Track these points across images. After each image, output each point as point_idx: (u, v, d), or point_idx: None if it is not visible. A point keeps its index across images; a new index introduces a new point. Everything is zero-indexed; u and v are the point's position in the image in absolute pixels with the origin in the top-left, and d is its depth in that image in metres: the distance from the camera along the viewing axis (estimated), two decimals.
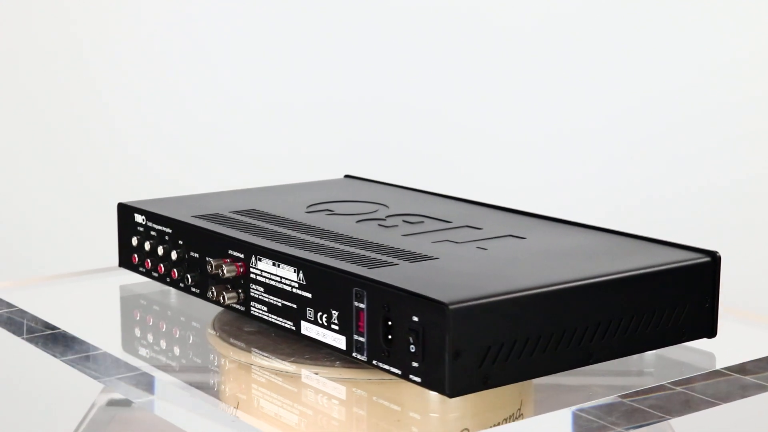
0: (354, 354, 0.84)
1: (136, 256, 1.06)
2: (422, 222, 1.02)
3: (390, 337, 0.81)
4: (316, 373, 0.89)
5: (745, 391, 0.91)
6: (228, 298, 0.95)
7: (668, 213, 1.67)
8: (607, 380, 0.93)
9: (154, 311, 1.08)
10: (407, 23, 1.73)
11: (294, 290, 0.89)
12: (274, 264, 0.91)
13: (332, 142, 1.75)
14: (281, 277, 0.90)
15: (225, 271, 0.94)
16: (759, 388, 0.91)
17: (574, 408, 0.85)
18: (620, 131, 1.68)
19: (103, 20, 1.68)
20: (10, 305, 1.03)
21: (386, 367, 0.82)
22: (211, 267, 0.95)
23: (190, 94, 1.73)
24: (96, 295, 1.12)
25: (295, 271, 0.89)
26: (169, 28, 1.71)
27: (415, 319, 0.79)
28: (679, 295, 0.88)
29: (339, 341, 0.86)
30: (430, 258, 0.89)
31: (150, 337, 1.01)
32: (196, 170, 1.74)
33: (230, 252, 0.95)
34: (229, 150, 1.76)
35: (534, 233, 0.97)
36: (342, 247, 0.92)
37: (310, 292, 0.88)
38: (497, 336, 0.79)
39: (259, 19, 1.73)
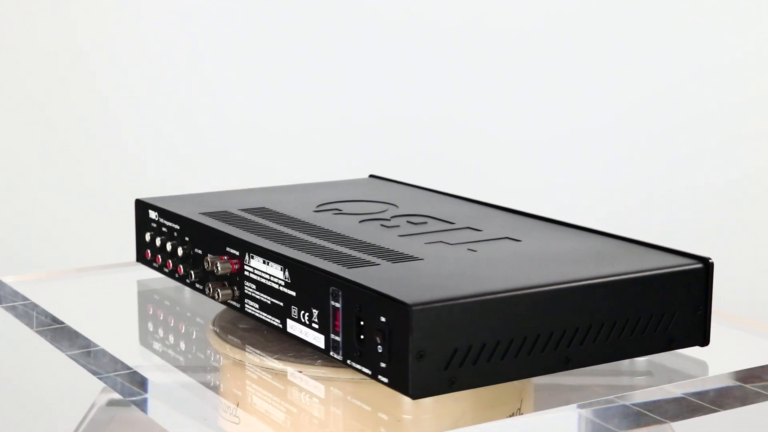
0: (331, 353, 0.85)
1: (149, 251, 1.08)
2: (425, 223, 1.01)
3: (362, 337, 0.81)
4: (300, 371, 0.90)
5: (741, 401, 0.89)
6: (222, 295, 0.96)
7: (669, 213, 1.65)
8: (607, 380, 0.93)
9: (165, 307, 1.09)
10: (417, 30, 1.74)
11: (281, 288, 0.90)
12: (264, 262, 0.92)
13: (372, 144, 1.76)
14: (270, 275, 0.91)
15: (219, 268, 0.95)
16: (757, 396, 0.89)
17: (574, 407, 0.84)
18: (624, 131, 1.66)
19: (104, 19, 1.72)
20: (24, 298, 1.06)
21: (359, 366, 0.82)
22: (208, 264, 0.96)
23: (213, 96, 1.76)
24: (111, 290, 1.15)
25: (281, 269, 0.90)
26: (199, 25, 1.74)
27: (383, 319, 0.79)
28: (668, 302, 0.87)
29: (318, 340, 0.86)
30: (415, 259, 0.89)
31: (153, 334, 1.03)
32: (217, 169, 1.77)
33: (228, 249, 0.96)
34: (259, 149, 1.79)
35: (532, 236, 0.96)
36: (332, 246, 0.92)
37: (294, 291, 0.88)
38: (464, 338, 0.78)
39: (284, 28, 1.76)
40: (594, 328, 0.84)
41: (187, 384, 0.91)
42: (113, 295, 1.14)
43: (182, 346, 1.00)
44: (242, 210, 1.05)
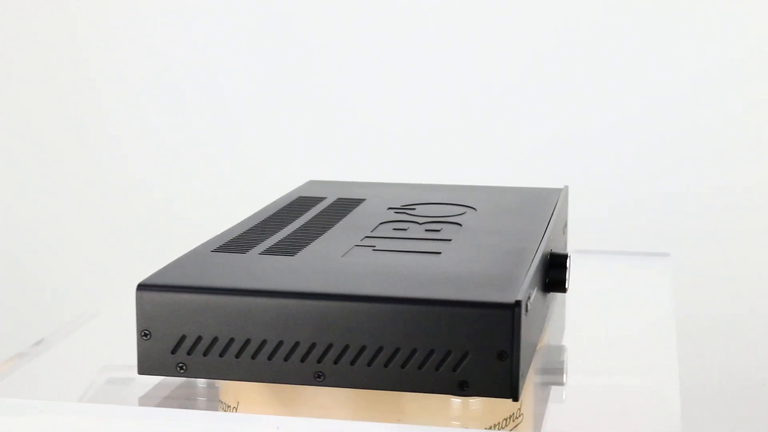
0: None
1: None
2: (439, 230, 0.98)
3: None
4: None
5: None
6: None
7: None
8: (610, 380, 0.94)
9: None
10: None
11: None
12: None
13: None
14: None
15: None
16: None
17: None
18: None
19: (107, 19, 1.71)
20: None
21: None
22: None
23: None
24: None
25: None
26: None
27: None
28: (456, 341, 0.77)
29: None
30: (288, 254, 0.90)
31: None
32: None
33: None
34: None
35: (462, 252, 0.90)
36: (267, 234, 0.96)
37: None
38: (194, 327, 0.81)
39: None
40: (351, 349, 0.79)
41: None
42: None
43: None
44: (340, 198, 1.11)
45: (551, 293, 0.97)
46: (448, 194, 1.13)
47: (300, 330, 0.79)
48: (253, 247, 0.92)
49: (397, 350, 0.78)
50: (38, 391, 0.95)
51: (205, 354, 0.81)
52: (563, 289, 0.95)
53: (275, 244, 0.92)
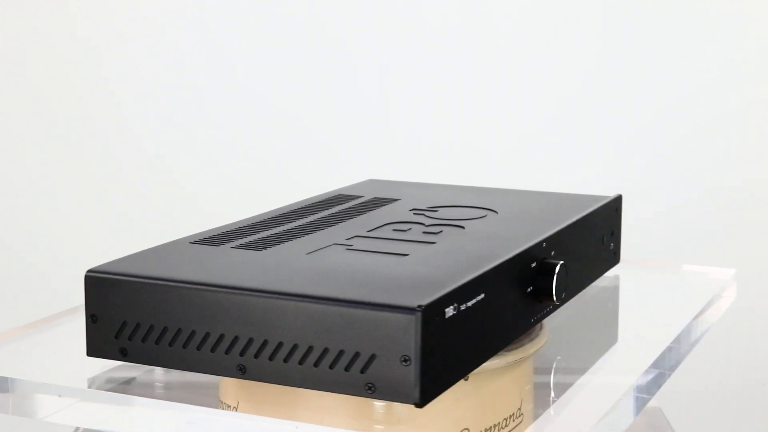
0: None
1: None
2: (437, 233, 0.97)
3: None
4: None
5: None
6: None
7: None
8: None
9: None
10: None
11: None
12: None
13: None
14: None
15: None
16: None
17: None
18: None
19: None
20: None
21: None
22: None
23: None
24: None
25: None
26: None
27: None
28: (362, 343, 0.76)
29: None
30: (257, 249, 0.91)
31: None
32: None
33: None
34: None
35: (431, 255, 0.88)
36: (254, 229, 0.98)
37: None
38: (134, 315, 0.83)
39: None
40: (270, 345, 0.79)
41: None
42: None
43: None
44: (376, 197, 1.11)
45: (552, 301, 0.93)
46: (485, 197, 1.11)
47: (224, 323, 0.80)
48: (230, 241, 0.93)
49: (310, 348, 0.78)
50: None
51: (143, 341, 0.83)
52: (551, 299, 0.91)
53: (257, 240, 0.93)
